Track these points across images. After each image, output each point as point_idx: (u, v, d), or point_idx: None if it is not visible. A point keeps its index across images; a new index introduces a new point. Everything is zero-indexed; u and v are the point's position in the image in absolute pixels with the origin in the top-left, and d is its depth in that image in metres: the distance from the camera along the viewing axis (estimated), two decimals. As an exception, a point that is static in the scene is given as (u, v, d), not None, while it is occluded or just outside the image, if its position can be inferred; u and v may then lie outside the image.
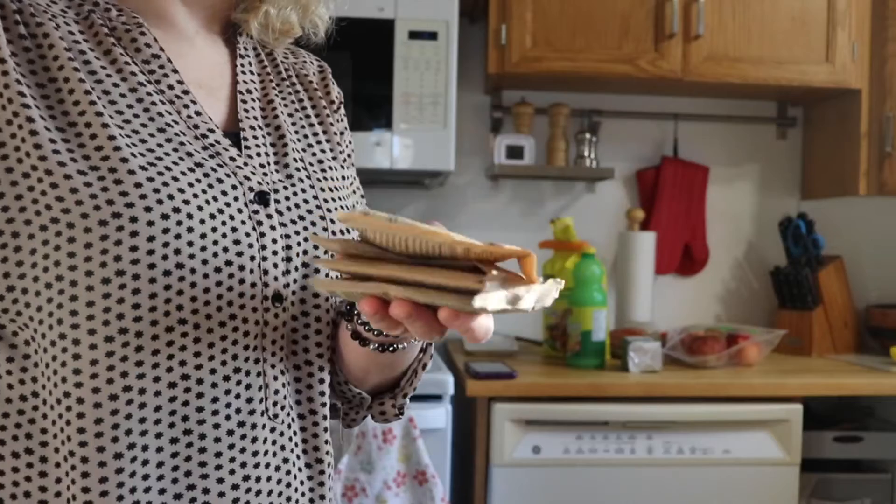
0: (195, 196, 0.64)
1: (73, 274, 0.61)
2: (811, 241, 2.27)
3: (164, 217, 0.62)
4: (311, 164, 0.78)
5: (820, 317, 2.23)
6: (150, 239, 0.61)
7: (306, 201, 0.74)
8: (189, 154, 0.67)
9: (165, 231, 0.62)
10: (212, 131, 0.70)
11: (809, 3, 2.14)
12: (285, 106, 0.81)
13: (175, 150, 0.66)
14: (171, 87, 0.70)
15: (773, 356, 2.14)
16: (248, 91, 0.78)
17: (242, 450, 0.66)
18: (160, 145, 0.65)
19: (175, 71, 0.71)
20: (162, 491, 0.63)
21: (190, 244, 0.63)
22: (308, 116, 0.82)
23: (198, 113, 0.70)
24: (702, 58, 2.11)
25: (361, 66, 1.92)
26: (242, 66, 0.79)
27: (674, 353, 1.97)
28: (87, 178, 0.61)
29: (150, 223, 0.61)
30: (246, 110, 0.76)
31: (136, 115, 0.66)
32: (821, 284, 2.25)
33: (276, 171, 0.73)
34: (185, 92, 0.70)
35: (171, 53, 0.73)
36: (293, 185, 0.74)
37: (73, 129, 0.63)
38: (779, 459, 1.80)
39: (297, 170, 0.75)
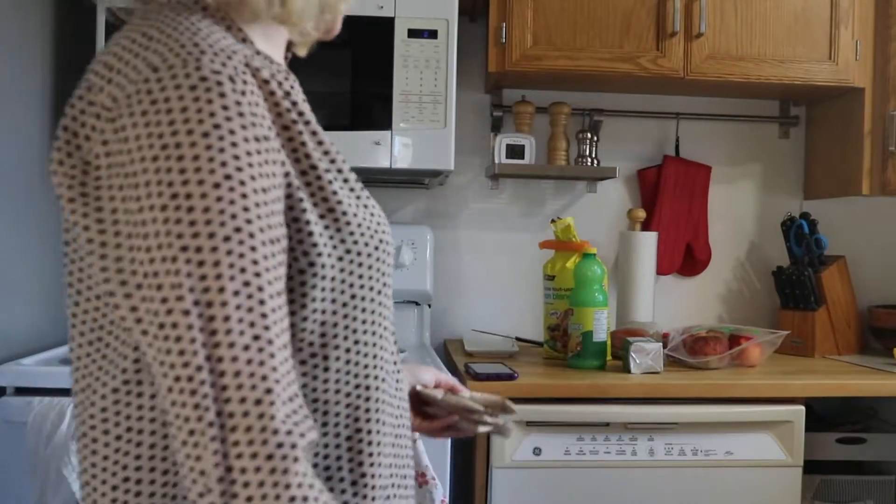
0: None
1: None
2: (814, 241, 2.25)
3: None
4: None
5: (822, 317, 2.22)
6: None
7: None
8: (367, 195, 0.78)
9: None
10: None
11: (812, 0, 2.13)
12: None
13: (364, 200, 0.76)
14: (333, 145, 0.75)
15: (775, 357, 2.13)
16: None
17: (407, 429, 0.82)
18: (366, 206, 0.75)
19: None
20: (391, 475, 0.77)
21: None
22: None
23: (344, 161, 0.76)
24: (704, 56, 2.09)
25: (361, 65, 1.90)
26: None
27: (675, 354, 1.95)
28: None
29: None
30: None
31: (346, 195, 0.72)
32: (823, 285, 2.23)
33: None
34: (332, 143, 0.75)
35: None
36: None
37: (332, 214, 0.69)
38: (781, 461, 1.79)
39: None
